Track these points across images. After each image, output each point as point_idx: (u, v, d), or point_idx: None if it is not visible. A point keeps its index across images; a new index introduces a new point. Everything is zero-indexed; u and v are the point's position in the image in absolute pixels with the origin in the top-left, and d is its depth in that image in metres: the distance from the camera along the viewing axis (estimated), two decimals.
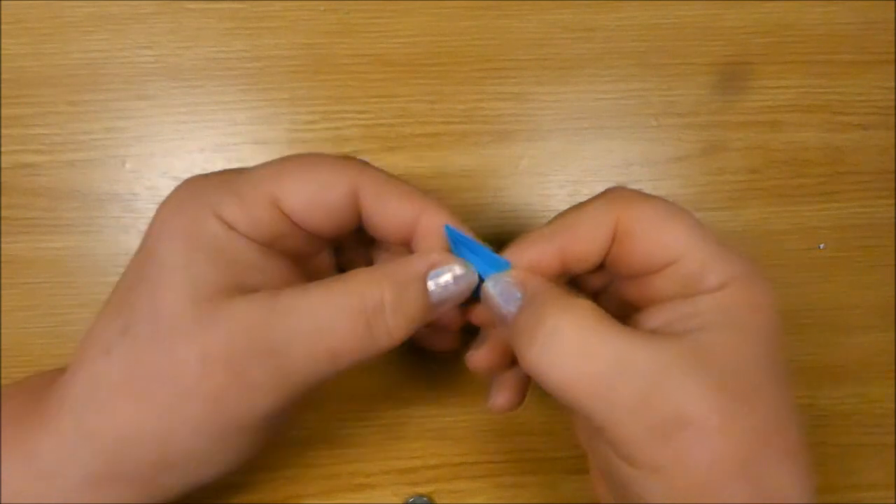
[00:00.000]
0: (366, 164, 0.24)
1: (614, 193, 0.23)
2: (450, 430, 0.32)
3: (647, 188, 0.33)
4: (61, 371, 0.22)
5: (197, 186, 0.22)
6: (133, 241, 0.21)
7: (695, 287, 0.22)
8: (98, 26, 0.32)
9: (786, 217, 0.34)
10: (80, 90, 0.32)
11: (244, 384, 0.20)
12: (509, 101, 0.33)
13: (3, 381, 0.30)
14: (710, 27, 0.34)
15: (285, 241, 0.23)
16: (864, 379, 0.33)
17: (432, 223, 0.23)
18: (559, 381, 0.20)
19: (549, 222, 0.23)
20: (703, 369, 0.19)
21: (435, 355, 0.30)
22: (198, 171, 0.23)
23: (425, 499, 0.31)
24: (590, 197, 0.23)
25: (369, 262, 0.27)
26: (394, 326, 0.22)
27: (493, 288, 0.23)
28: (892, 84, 0.34)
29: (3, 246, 0.31)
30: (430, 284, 0.22)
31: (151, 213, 0.22)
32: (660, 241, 0.22)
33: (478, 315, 0.25)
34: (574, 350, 0.20)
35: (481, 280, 0.23)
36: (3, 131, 0.32)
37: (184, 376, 0.20)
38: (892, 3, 0.35)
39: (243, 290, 0.21)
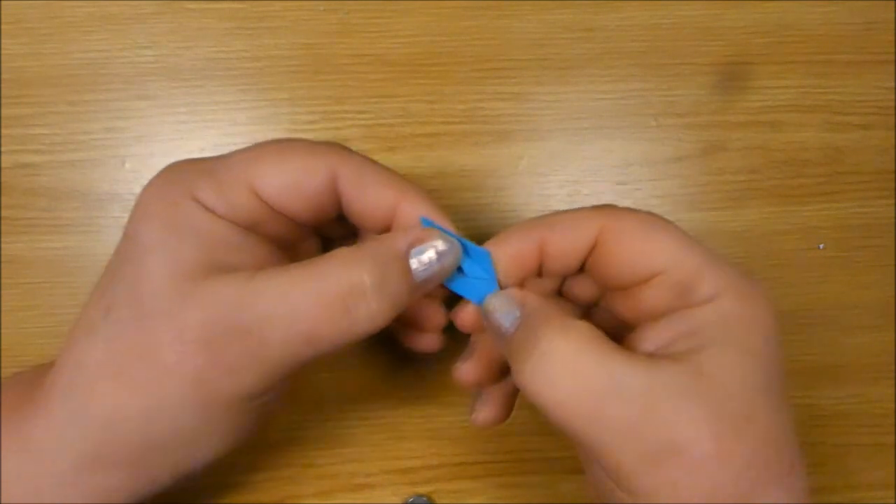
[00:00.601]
0: (345, 149, 0.23)
1: (603, 206, 0.23)
2: (450, 430, 0.32)
3: (647, 188, 0.33)
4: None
5: (176, 171, 0.22)
6: None
7: (688, 297, 0.21)
8: (98, 26, 0.32)
9: (786, 217, 0.34)
10: (80, 90, 0.32)
11: (222, 364, 0.20)
12: (509, 101, 0.33)
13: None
14: (710, 27, 0.34)
15: (267, 226, 0.22)
16: (864, 379, 0.33)
17: (412, 211, 0.23)
18: (552, 402, 0.20)
19: (535, 217, 0.23)
20: (699, 395, 0.19)
21: (434, 355, 0.30)
22: None
23: (425, 499, 0.31)
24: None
25: None
26: (376, 310, 0.21)
27: (494, 303, 0.23)
28: (892, 84, 0.34)
29: (3, 246, 0.31)
30: (413, 262, 0.22)
31: None
32: (642, 249, 0.22)
33: (464, 321, 0.25)
34: (567, 372, 0.20)
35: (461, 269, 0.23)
36: (3, 131, 0.32)
37: (163, 357, 0.20)
38: (892, 3, 0.35)
39: (222, 268, 0.21)
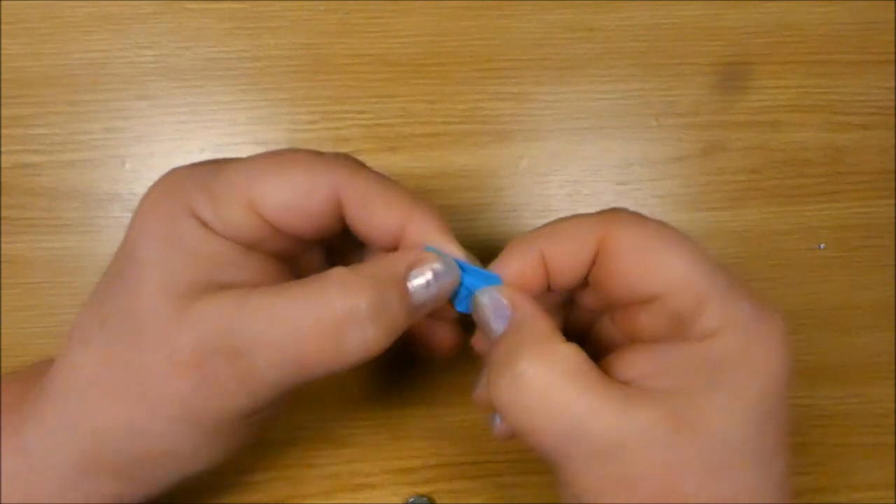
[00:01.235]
0: (351, 163, 0.22)
1: (609, 211, 0.22)
2: (450, 430, 0.32)
3: (647, 188, 0.33)
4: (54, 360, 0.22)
5: (175, 182, 0.22)
6: None
7: (683, 330, 0.20)
8: (98, 26, 0.32)
9: (786, 217, 0.34)
10: (80, 90, 0.32)
11: (212, 386, 0.20)
12: (509, 101, 0.33)
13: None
14: (710, 27, 0.34)
15: (266, 243, 0.22)
16: (864, 379, 0.33)
17: (419, 234, 0.22)
18: (519, 426, 0.20)
19: (535, 228, 0.22)
20: (670, 446, 0.18)
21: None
22: None
23: (425, 499, 0.31)
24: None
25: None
26: (371, 337, 0.20)
27: (485, 300, 0.22)
28: (892, 84, 0.34)
29: (3, 246, 0.31)
30: (411, 285, 0.21)
31: None
32: (640, 269, 0.20)
33: (483, 348, 0.24)
34: (536, 403, 0.19)
35: (469, 291, 0.22)
36: (3, 131, 0.32)
37: (153, 376, 0.20)
38: (892, 3, 0.35)
39: (220, 287, 0.20)
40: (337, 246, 0.25)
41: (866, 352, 0.33)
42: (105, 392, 0.20)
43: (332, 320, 0.19)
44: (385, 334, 0.20)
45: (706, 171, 0.34)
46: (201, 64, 0.32)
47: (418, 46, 0.33)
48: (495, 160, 0.33)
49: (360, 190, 0.21)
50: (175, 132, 0.32)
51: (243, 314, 0.19)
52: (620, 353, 0.21)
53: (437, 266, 0.21)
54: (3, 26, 0.32)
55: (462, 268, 0.22)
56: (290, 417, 0.31)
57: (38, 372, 0.22)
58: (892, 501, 0.32)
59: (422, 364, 0.32)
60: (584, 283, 0.23)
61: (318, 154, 0.22)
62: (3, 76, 0.32)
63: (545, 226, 0.22)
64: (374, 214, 0.21)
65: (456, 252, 0.22)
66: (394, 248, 0.22)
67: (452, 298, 0.22)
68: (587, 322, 0.25)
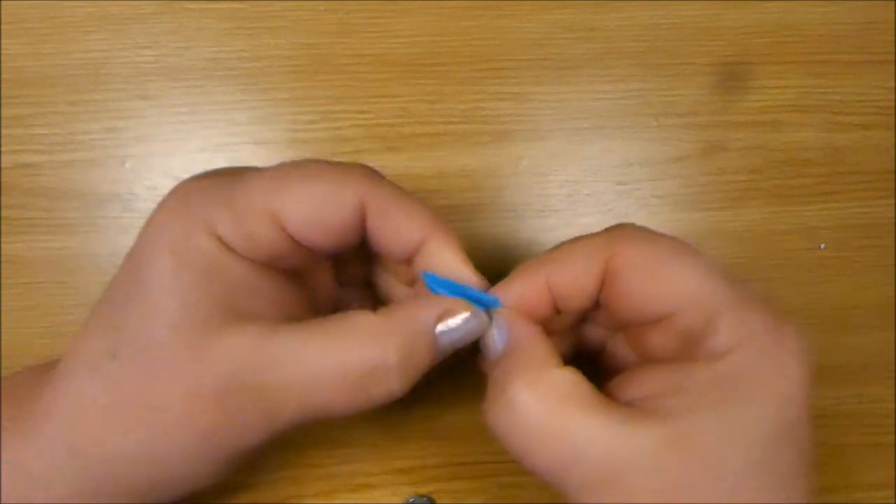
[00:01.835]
0: (373, 174, 0.22)
1: (616, 228, 0.21)
2: (450, 430, 0.32)
3: (647, 188, 0.33)
4: (52, 365, 0.22)
5: (190, 195, 0.21)
6: (132, 242, 0.21)
7: (695, 348, 0.19)
8: (98, 26, 0.32)
9: (786, 217, 0.34)
10: (80, 90, 0.32)
11: (234, 423, 0.20)
12: (509, 101, 0.33)
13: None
14: (710, 27, 0.34)
15: (283, 259, 0.21)
16: (864, 379, 0.33)
17: (437, 252, 0.21)
18: (513, 449, 0.19)
19: (541, 253, 0.22)
20: (670, 471, 0.18)
21: None
22: (198, 171, 0.22)
23: (425, 499, 0.31)
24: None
25: (368, 280, 0.26)
26: (397, 388, 0.20)
27: (491, 321, 0.22)
28: (892, 84, 0.34)
29: (3, 246, 0.31)
30: (440, 336, 0.21)
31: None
32: (650, 287, 0.20)
33: (482, 364, 0.24)
34: (530, 428, 0.19)
35: None
36: (3, 131, 0.32)
37: (172, 410, 0.19)
38: (892, 3, 0.35)
39: (237, 315, 0.20)
40: (343, 258, 0.25)
41: (866, 352, 0.33)
42: (119, 425, 0.20)
43: (361, 373, 0.19)
44: (410, 383, 0.20)
45: (706, 171, 0.34)
46: (201, 64, 0.32)
47: (418, 46, 0.33)
48: (495, 160, 0.33)
49: (383, 202, 0.21)
50: (175, 132, 0.32)
51: (268, 355, 0.19)
52: (631, 372, 0.21)
53: (468, 317, 0.21)
54: (3, 26, 0.32)
55: (463, 294, 0.22)
56: None
57: (27, 382, 0.22)
58: (892, 501, 0.32)
59: None
60: (597, 303, 0.22)
61: (341, 164, 0.21)
62: (3, 76, 0.32)
63: (551, 250, 0.22)
64: (398, 227, 0.21)
65: (469, 273, 0.22)
66: (409, 260, 0.22)
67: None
68: (602, 341, 0.25)
